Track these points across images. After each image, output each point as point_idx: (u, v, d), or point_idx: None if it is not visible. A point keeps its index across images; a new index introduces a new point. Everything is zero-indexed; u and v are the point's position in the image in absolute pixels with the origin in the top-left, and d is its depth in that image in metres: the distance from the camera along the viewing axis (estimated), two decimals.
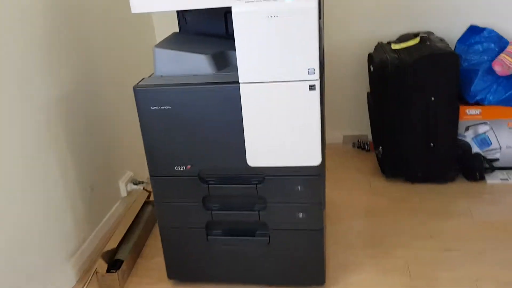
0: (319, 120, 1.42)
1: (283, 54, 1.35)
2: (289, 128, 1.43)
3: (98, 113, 2.01)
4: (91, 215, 1.95)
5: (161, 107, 1.47)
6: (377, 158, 2.42)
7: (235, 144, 1.49)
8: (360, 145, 2.70)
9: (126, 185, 2.22)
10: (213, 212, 1.61)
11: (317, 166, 1.48)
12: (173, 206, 1.63)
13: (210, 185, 1.57)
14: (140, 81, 1.53)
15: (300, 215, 1.56)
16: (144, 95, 1.47)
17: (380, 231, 1.98)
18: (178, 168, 1.56)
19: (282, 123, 1.43)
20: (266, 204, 1.57)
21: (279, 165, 1.50)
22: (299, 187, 1.53)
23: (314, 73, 1.35)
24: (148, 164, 1.58)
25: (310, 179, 1.51)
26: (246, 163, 1.50)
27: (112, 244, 1.83)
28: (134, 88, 1.48)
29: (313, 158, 1.47)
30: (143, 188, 2.26)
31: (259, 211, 1.59)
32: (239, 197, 1.59)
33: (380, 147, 2.32)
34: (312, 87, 1.37)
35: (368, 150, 2.67)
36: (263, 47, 1.35)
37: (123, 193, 2.22)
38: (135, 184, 2.27)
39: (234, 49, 1.39)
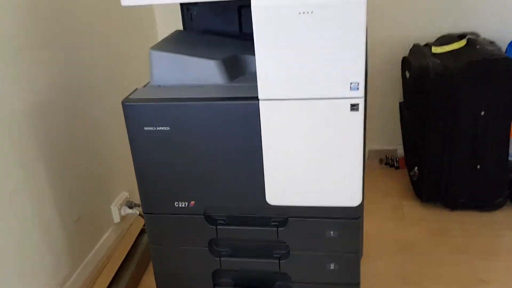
0: (361, 150, 1.09)
1: (318, 63, 1.02)
2: (322, 158, 1.11)
3: (85, 125, 1.68)
4: (76, 249, 1.63)
5: (158, 128, 1.15)
6: (411, 179, 2.08)
7: (251, 177, 1.16)
8: (388, 161, 2.36)
9: (119, 209, 1.90)
10: (222, 258, 1.29)
11: (356, 207, 1.16)
12: (172, 250, 1.30)
13: (218, 226, 1.25)
14: (132, 92, 1.21)
15: (332, 266, 1.24)
16: (136, 111, 1.15)
17: (420, 273, 1.65)
18: (178, 204, 1.23)
19: (312, 152, 1.10)
20: (288, 251, 1.25)
21: (306, 205, 1.17)
22: (331, 232, 1.20)
23: (357, 88, 1.03)
24: (141, 198, 1.26)
25: (346, 223, 1.18)
26: (265, 201, 1.18)
27: None
28: (123, 102, 1.15)
29: (351, 197, 1.14)
30: (139, 214, 1.93)
31: (279, 259, 1.26)
32: (254, 242, 1.27)
33: (416, 168, 1.98)
34: (354, 107, 1.04)
35: (398, 167, 2.33)
36: (291, 53, 1.02)
37: (116, 219, 1.89)
38: (131, 207, 1.95)
39: (251, 53, 1.08)
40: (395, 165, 2.33)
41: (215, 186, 1.19)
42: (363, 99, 1.03)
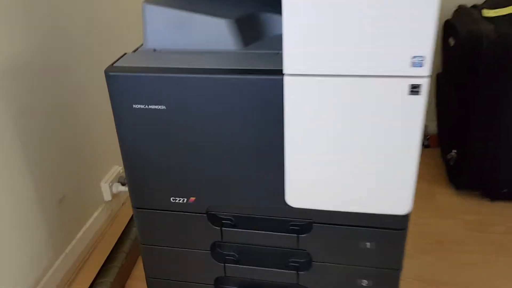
0: (419, 145, 0.83)
1: (368, 27, 0.74)
2: (364, 154, 0.85)
3: (68, 92, 1.42)
4: (59, 233, 1.39)
5: (150, 106, 0.89)
6: (447, 163, 1.82)
7: (267, 172, 0.91)
8: None
9: (110, 186, 1.66)
10: (227, 265, 1.05)
11: (403, 216, 0.91)
12: (166, 253, 1.07)
13: (224, 228, 1.01)
14: (119, 59, 0.94)
15: (365, 282, 1.00)
16: (123, 84, 0.88)
17: (455, 275, 1.42)
18: (175, 200, 0.99)
19: (352, 144, 0.84)
20: (309, 261, 1.01)
21: (338, 210, 0.92)
22: (367, 244, 0.95)
23: (421, 65, 0.75)
24: (129, 190, 1.02)
25: (388, 234, 0.94)
26: (284, 202, 0.93)
27: (83, 285, 1.29)
28: (106, 72, 0.89)
29: (399, 204, 0.89)
30: None
31: (298, 270, 1.03)
32: (268, 249, 1.03)
33: (454, 151, 1.72)
34: (415, 89, 0.78)
35: (428, 146, 2.07)
36: (332, 13, 0.74)
37: (107, 197, 1.65)
38: (124, 184, 1.71)
39: (273, 11, 0.81)
40: (425, 143, 2.07)
41: (221, 181, 0.94)
42: (427, 80, 0.76)
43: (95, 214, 1.59)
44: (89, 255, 1.49)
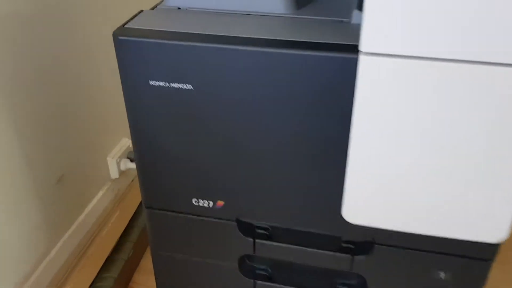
0: None
1: None
2: (455, 163, 0.63)
3: (73, 51, 1.20)
4: (57, 214, 1.20)
5: (173, 85, 0.67)
6: None
7: (321, 176, 0.70)
8: None
9: (118, 162, 1.45)
10: (258, 282, 0.86)
11: (495, 245, 0.70)
12: (184, 263, 0.87)
13: (258, 240, 0.80)
14: (133, 18, 0.72)
15: None
16: (136, 53, 0.66)
17: None
18: (198, 202, 0.78)
19: (440, 150, 0.63)
20: (363, 286, 0.81)
21: (410, 232, 0.71)
22: (441, 273, 0.75)
23: None
24: (141, 187, 0.81)
25: (470, 264, 0.73)
26: (339, 215, 0.72)
27: (83, 278, 1.11)
28: (115, 35, 0.66)
29: (494, 230, 0.68)
30: None
31: None
32: (312, 268, 0.82)
33: None
34: None
35: None
36: None
37: (114, 174, 1.45)
38: (133, 160, 1.50)
39: None
40: None
41: (259, 183, 0.73)
42: None
43: (99, 194, 1.39)
44: (91, 242, 1.30)
